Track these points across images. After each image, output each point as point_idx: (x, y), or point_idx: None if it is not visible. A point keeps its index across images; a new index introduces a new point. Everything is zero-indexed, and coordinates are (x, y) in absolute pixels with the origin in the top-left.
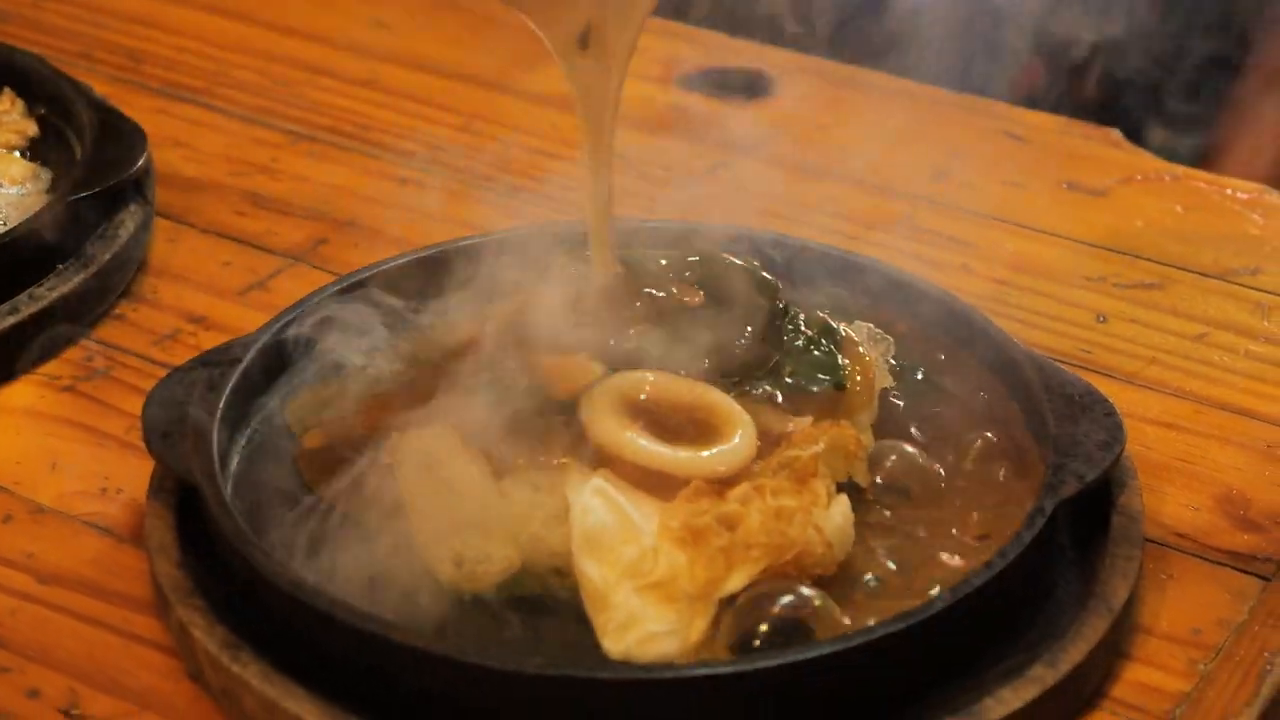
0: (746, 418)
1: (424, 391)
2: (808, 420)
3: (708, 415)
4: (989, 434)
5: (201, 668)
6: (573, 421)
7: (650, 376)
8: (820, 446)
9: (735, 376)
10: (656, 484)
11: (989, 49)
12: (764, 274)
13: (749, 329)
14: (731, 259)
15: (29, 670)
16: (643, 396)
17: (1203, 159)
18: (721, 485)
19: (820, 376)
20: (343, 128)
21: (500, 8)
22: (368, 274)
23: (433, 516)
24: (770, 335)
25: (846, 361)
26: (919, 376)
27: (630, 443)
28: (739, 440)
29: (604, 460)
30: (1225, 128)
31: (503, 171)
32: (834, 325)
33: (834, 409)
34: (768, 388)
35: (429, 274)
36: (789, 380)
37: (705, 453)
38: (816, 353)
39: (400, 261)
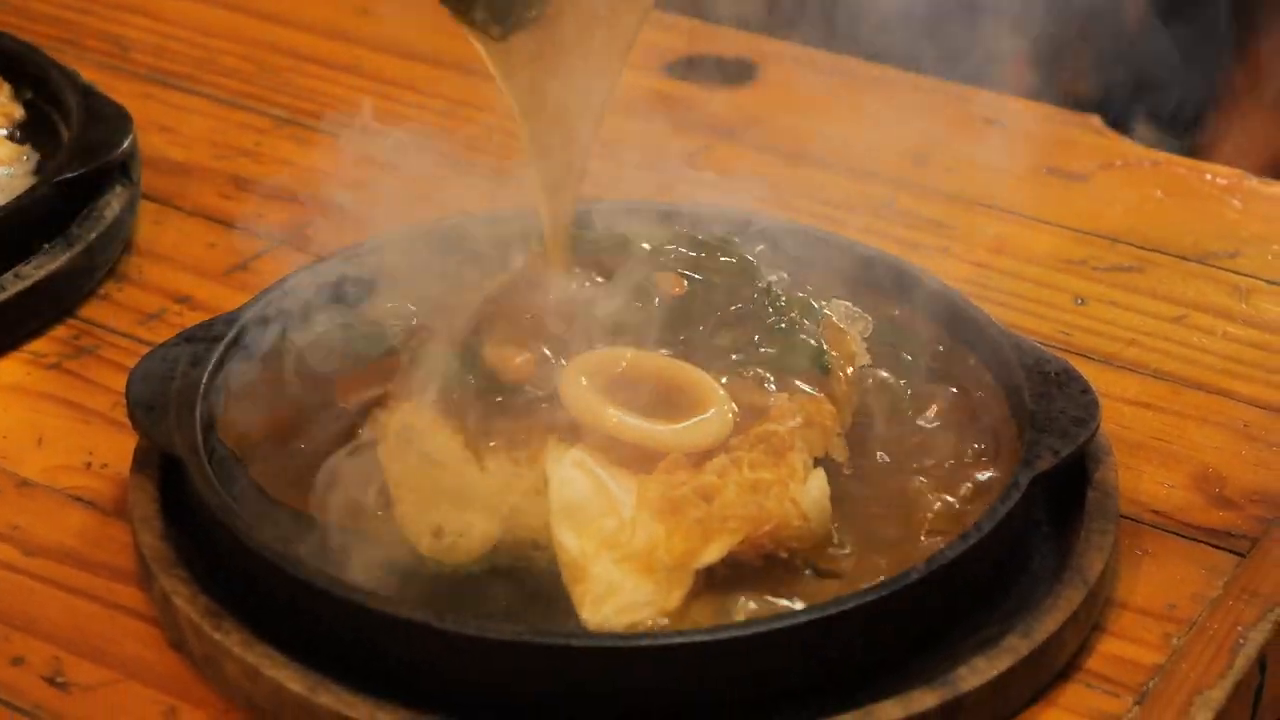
0: (723, 393)
1: (387, 371)
2: (785, 396)
3: (685, 391)
4: (965, 411)
5: (184, 636)
6: (551, 397)
7: (628, 353)
8: (797, 421)
9: (716, 357)
10: (635, 458)
11: (976, 40)
12: (745, 254)
13: (730, 310)
14: (712, 239)
15: (14, 639)
16: (620, 372)
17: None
18: (699, 458)
19: (803, 358)
20: (327, 113)
21: None
22: (347, 255)
23: (412, 489)
24: (751, 316)
25: (828, 345)
26: (897, 355)
27: (609, 417)
28: (716, 415)
29: (582, 435)
30: (1212, 128)
31: (485, 156)
32: (815, 305)
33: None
34: (756, 369)
35: (406, 255)
36: (771, 361)
37: (683, 426)
38: (800, 335)
39: (378, 242)
